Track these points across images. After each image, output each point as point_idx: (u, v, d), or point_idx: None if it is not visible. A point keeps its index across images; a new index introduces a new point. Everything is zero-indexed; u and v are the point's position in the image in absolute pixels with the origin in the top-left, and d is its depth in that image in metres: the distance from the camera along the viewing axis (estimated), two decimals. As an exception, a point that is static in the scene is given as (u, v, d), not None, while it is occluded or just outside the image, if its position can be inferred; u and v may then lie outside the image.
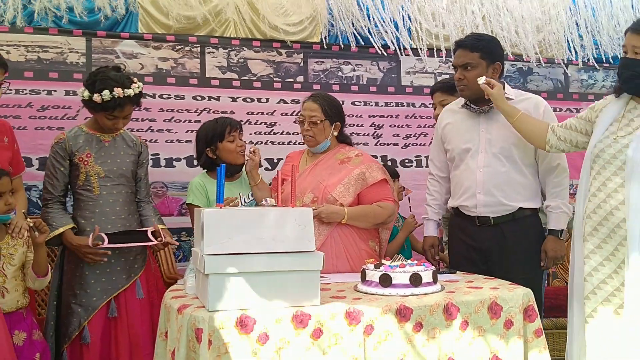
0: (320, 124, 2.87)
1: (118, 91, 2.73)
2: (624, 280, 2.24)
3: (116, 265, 2.83)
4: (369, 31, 4.18)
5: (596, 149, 2.38)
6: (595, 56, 4.69)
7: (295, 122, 3.82)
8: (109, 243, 2.71)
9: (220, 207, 2.03)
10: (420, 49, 4.28)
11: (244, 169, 3.19)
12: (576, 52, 4.64)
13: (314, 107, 2.89)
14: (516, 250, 2.75)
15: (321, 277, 2.08)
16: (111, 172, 2.86)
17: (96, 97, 2.73)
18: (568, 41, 4.63)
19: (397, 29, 4.23)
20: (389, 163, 4.35)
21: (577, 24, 4.61)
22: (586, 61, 4.70)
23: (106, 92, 2.71)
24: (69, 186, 2.91)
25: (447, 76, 4.03)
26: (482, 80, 2.69)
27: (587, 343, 2.32)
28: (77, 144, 2.84)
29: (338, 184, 2.82)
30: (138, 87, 2.82)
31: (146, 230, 2.84)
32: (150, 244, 2.81)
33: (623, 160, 2.29)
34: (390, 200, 2.91)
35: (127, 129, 3.03)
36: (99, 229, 2.73)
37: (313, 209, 2.65)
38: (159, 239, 2.81)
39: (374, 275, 2.20)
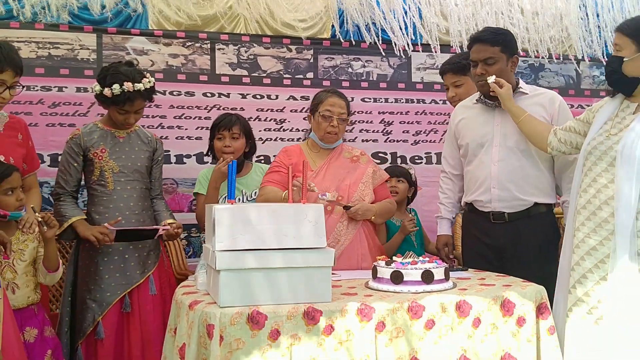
0: (346, 120, 2.89)
1: (128, 85, 2.75)
2: (604, 275, 2.26)
3: (130, 261, 2.84)
4: (380, 27, 4.16)
5: (589, 146, 2.40)
6: (607, 52, 4.64)
7: (304, 118, 3.81)
8: (115, 240, 2.73)
9: (232, 203, 2.03)
10: (434, 47, 4.23)
11: (254, 166, 3.19)
12: (589, 48, 4.61)
13: (342, 104, 2.88)
14: (530, 247, 2.73)
15: (332, 273, 2.07)
16: (125, 167, 2.88)
17: (106, 91, 2.76)
18: (580, 37, 4.59)
19: (407, 25, 4.21)
20: (399, 160, 4.34)
21: (587, 20, 4.58)
22: (597, 57, 4.66)
23: (116, 86, 2.74)
24: (84, 182, 2.92)
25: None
26: (492, 79, 2.70)
27: (565, 336, 2.32)
28: (92, 140, 2.86)
29: (359, 182, 2.85)
30: (149, 82, 2.83)
31: (157, 229, 2.84)
32: (156, 226, 2.84)
33: (613, 156, 2.31)
34: (390, 197, 3.05)
35: (139, 126, 3.04)
36: (114, 223, 2.74)
37: (350, 206, 2.71)
38: (164, 223, 2.87)
39: (385, 272, 2.20)
